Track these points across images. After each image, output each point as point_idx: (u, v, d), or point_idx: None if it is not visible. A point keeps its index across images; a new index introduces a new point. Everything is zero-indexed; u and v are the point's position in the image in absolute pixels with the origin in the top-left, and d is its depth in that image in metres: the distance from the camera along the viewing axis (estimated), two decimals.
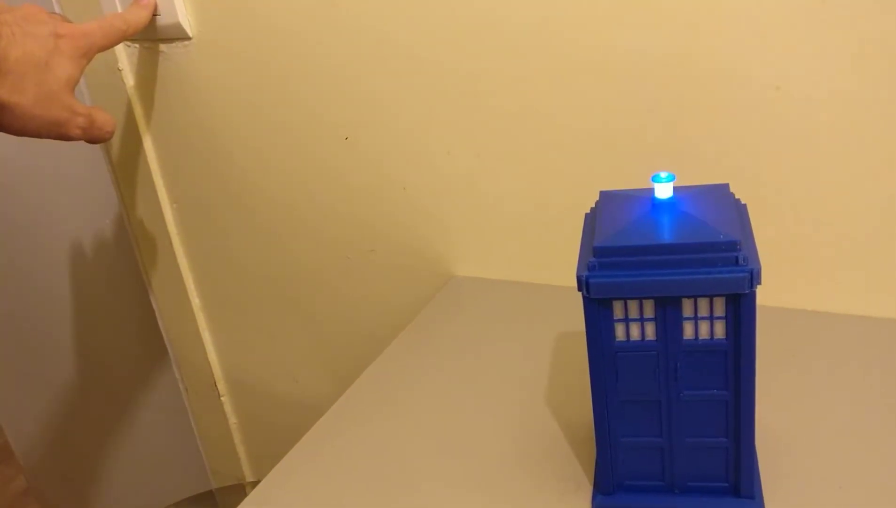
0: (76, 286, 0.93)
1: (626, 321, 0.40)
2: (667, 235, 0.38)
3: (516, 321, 0.65)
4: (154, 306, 0.92)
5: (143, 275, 0.90)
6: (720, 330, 0.39)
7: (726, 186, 0.43)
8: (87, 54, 0.61)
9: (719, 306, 0.38)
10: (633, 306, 0.39)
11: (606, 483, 0.44)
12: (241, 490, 0.93)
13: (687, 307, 0.39)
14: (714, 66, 0.56)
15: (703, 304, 0.39)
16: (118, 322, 0.95)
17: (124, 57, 0.79)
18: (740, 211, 0.42)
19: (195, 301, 0.91)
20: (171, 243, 0.87)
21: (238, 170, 0.80)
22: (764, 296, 0.60)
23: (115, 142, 0.83)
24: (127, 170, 0.85)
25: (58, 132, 0.59)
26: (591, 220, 0.43)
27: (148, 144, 0.83)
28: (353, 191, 0.75)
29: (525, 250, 0.70)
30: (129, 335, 0.95)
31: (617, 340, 0.40)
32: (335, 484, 0.50)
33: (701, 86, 0.57)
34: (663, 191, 0.41)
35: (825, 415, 0.49)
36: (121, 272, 0.91)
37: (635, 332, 0.40)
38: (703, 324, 0.39)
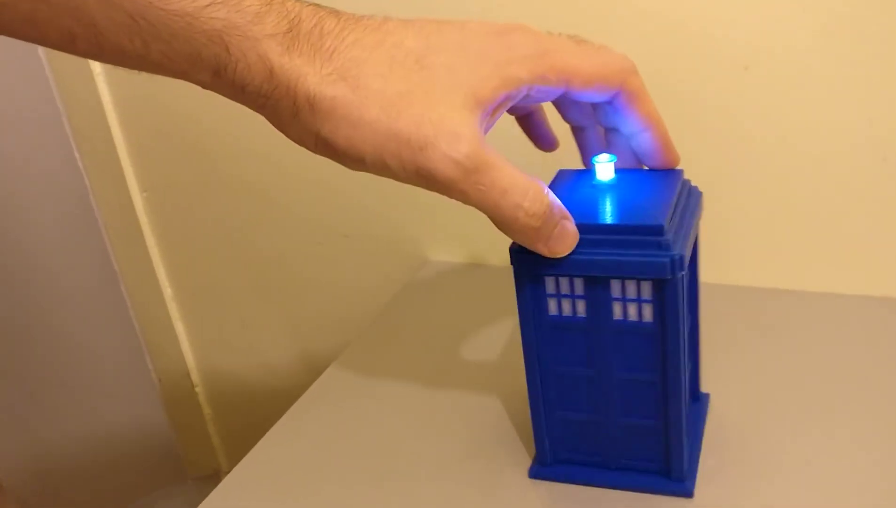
0: (44, 278, 0.92)
1: (559, 296, 0.40)
2: (597, 215, 0.39)
3: (490, 305, 0.65)
4: (125, 296, 0.91)
5: (114, 265, 0.89)
6: (648, 313, 0.39)
7: (680, 172, 0.42)
8: None
9: (647, 290, 0.38)
10: (564, 282, 0.39)
11: (543, 454, 0.45)
12: (217, 481, 0.92)
13: (615, 288, 0.39)
14: (681, 45, 0.57)
15: (630, 286, 0.38)
16: (88, 314, 0.93)
17: None
18: (689, 196, 0.42)
19: (167, 291, 0.90)
20: (141, 233, 0.86)
21: (210, 157, 0.79)
22: (731, 275, 0.61)
23: (83, 129, 0.82)
24: (95, 158, 0.84)
25: None
26: None
27: (117, 131, 0.82)
28: (326, 176, 0.74)
29: (499, 233, 0.70)
30: (100, 327, 0.94)
31: (550, 314, 0.40)
32: (307, 470, 0.50)
33: (667, 65, 0.57)
34: (604, 172, 0.41)
35: (781, 395, 0.50)
36: (90, 263, 0.89)
37: (567, 308, 0.40)
38: (631, 306, 0.39)
